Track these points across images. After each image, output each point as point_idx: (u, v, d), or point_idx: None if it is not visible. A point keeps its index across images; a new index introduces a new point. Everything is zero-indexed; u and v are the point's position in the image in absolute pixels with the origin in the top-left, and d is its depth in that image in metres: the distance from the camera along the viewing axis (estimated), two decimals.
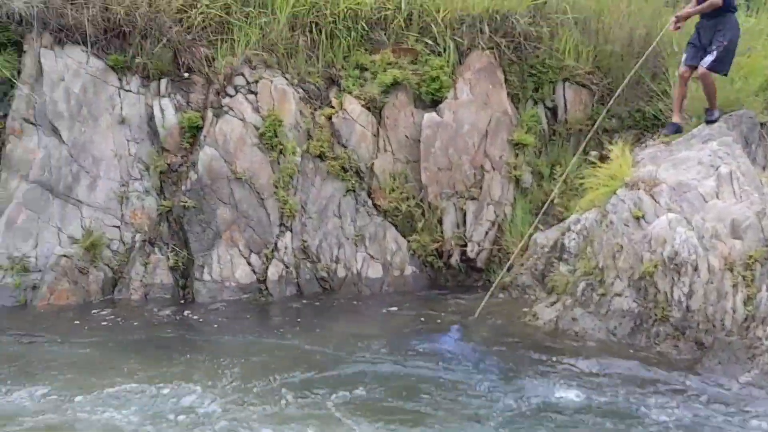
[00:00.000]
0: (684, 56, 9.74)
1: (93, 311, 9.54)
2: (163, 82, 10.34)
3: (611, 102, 10.32)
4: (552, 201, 10.27)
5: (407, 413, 6.83)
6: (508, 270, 9.99)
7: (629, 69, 10.97)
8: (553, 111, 11.16)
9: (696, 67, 9.52)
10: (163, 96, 10.29)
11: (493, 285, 9.37)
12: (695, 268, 7.85)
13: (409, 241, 10.35)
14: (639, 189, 8.70)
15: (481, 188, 10.54)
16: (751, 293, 7.62)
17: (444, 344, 8.48)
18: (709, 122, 9.67)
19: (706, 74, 9.46)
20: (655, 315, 8.04)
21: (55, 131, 10.01)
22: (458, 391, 7.27)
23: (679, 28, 9.80)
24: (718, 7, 9.39)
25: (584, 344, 8.29)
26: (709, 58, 9.40)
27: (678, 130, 9.80)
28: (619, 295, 8.36)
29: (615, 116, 11.08)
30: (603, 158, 9.93)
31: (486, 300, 9.10)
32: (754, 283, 7.65)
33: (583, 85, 11.17)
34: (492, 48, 10.89)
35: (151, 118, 10.25)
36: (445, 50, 10.80)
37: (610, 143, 10.05)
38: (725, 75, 9.68)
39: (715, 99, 9.68)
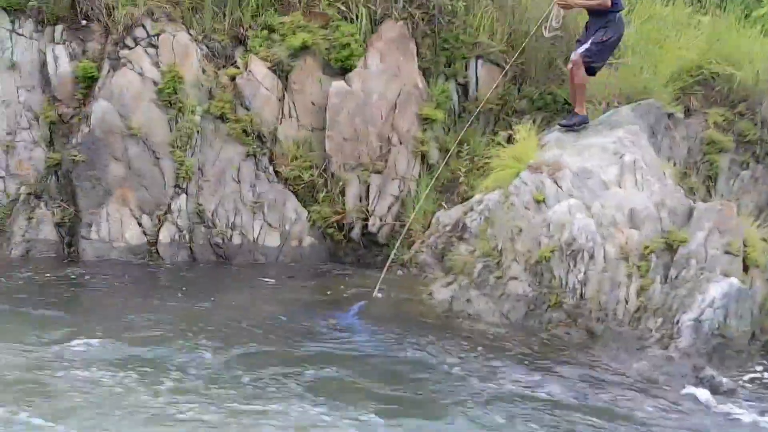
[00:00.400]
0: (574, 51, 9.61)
1: None
2: (59, 28, 9.83)
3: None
4: (457, 179, 10.13)
5: (289, 392, 6.59)
6: (409, 247, 9.82)
7: (543, 49, 10.90)
8: (464, 88, 10.93)
9: None
10: (58, 43, 9.78)
11: (388, 261, 9.15)
12: (591, 256, 7.79)
13: (309, 212, 10.05)
14: (542, 172, 8.59)
15: (386, 162, 10.28)
16: (644, 284, 7.59)
17: (341, 321, 8.28)
18: (564, 126, 9.42)
19: (577, 63, 9.22)
20: (549, 300, 7.97)
21: None
22: (345, 370, 7.07)
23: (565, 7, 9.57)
24: (607, 7, 9.24)
25: (476, 326, 8.15)
26: (583, 47, 9.22)
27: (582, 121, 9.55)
28: (515, 278, 8.26)
29: (526, 97, 10.94)
30: (511, 139, 9.79)
31: (382, 278, 8.88)
32: (648, 274, 7.61)
33: (497, 64, 10.96)
34: (405, 18, 10.59)
35: (43, 65, 9.76)
36: (357, 17, 10.47)
37: (519, 124, 9.91)
38: (593, 74, 9.43)
39: (581, 97, 9.38)
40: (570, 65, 9.29)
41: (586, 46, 9.18)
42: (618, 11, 9.30)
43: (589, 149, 8.99)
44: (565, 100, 10.74)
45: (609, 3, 9.14)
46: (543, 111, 10.86)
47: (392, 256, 9.25)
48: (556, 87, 10.87)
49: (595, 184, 8.44)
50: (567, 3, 9.44)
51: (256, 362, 7.05)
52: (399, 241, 9.42)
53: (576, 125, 9.35)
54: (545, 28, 9.81)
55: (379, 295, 8.70)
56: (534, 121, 10.14)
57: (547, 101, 10.87)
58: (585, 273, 7.78)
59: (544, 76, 10.95)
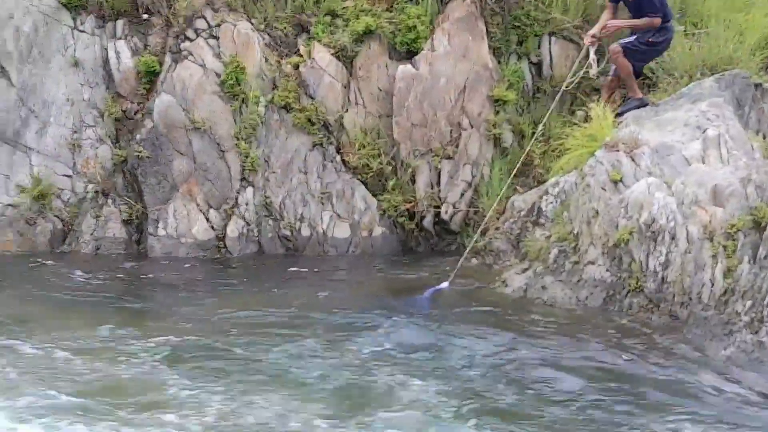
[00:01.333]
0: None
1: (40, 264, 9.08)
2: (120, 23, 9.75)
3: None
4: (531, 162, 9.71)
5: (369, 385, 6.34)
6: (483, 234, 9.45)
7: None
8: (537, 66, 10.49)
9: None
10: (120, 38, 9.70)
11: (467, 250, 8.79)
12: (673, 237, 7.28)
13: (379, 201, 9.74)
14: (619, 151, 8.11)
15: (457, 146, 9.90)
16: (731, 265, 7.02)
17: (417, 309, 7.99)
18: (622, 113, 9.06)
19: (616, 50, 8.94)
20: (629, 285, 7.50)
21: (4, 73, 9.49)
22: (427, 357, 6.87)
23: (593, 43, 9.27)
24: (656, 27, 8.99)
25: (552, 313, 7.75)
26: (626, 40, 8.98)
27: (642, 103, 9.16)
28: (593, 263, 7.81)
29: (604, 74, 10.41)
30: (588, 119, 9.31)
31: (459, 266, 8.53)
32: (735, 254, 7.04)
33: (571, 40, 10.48)
34: None
35: (106, 61, 9.67)
36: None
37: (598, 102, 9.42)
38: (638, 72, 9.21)
39: (632, 82, 9.14)
40: (611, 55, 9.01)
41: (631, 40, 8.96)
42: (669, 21, 9.05)
43: (669, 124, 8.50)
44: (645, 74, 10.21)
45: (658, 23, 8.90)
46: (621, 88, 10.34)
47: (471, 244, 8.86)
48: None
49: (675, 160, 7.93)
50: (609, 30, 9.13)
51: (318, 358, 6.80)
52: (479, 229, 9.01)
53: (634, 108, 9.00)
54: (589, 68, 9.44)
55: (446, 285, 8.36)
56: (613, 99, 9.63)
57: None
58: (666, 255, 7.28)
59: None
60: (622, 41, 9.01)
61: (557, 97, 9.61)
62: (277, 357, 6.77)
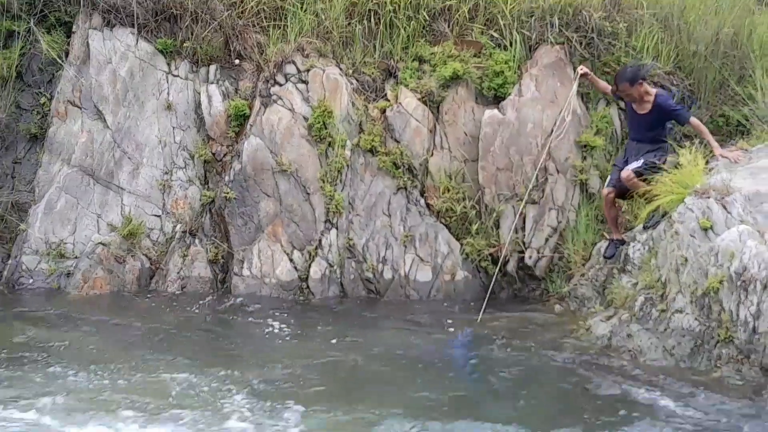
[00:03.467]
0: (609, 177, 9.14)
1: (128, 301, 9.24)
2: (213, 68, 9.99)
3: None
4: (619, 209, 9.53)
5: None
6: (567, 280, 9.30)
7: (713, 70, 10.21)
8: (627, 112, 10.34)
9: None
10: (212, 82, 9.93)
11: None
12: (765, 286, 7.00)
13: (462, 245, 9.69)
14: (709, 197, 7.88)
15: (543, 191, 9.81)
16: None
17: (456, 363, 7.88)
18: (608, 258, 8.91)
19: (630, 178, 8.68)
20: (718, 335, 7.22)
21: (100, 115, 9.75)
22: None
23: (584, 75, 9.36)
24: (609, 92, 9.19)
25: (637, 363, 7.53)
26: (634, 164, 8.71)
27: (621, 243, 8.90)
28: (680, 311, 7.57)
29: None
30: (678, 165, 9.11)
31: (484, 304, 8.71)
32: None
33: (662, 86, 10.31)
34: (562, 43, 10.16)
35: (198, 105, 9.89)
36: (511, 44, 10.13)
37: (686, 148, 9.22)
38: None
39: (616, 226, 8.97)
40: (624, 182, 8.77)
41: (638, 164, 8.68)
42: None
43: (763, 172, 8.24)
44: (738, 121, 10.00)
45: (610, 91, 9.09)
46: (715, 135, 10.09)
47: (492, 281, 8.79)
48: (728, 108, 10.15)
49: None
50: (588, 76, 9.30)
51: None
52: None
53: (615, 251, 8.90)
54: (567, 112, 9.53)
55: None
56: (704, 145, 9.41)
57: (719, 124, 10.19)
58: (758, 305, 7.00)
59: (714, 98, 10.28)
60: (631, 166, 8.70)
61: (545, 152, 9.58)
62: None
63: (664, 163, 8.67)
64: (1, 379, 7.01)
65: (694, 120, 8.84)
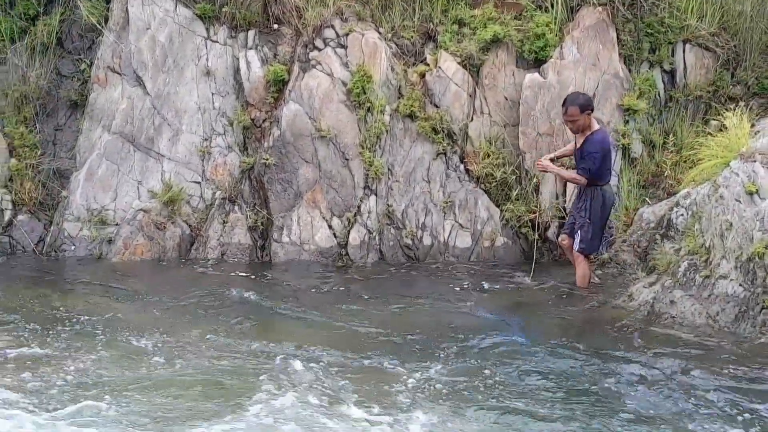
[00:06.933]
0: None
1: (169, 268, 9.29)
2: (251, 33, 9.92)
3: None
4: (662, 172, 9.42)
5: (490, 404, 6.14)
6: (609, 246, 9.19)
7: (759, 31, 9.98)
8: (671, 75, 10.17)
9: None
10: (250, 48, 9.87)
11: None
12: None
13: (502, 211, 9.62)
14: (755, 161, 7.71)
15: None
16: None
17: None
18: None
19: (578, 256, 8.52)
20: (763, 302, 7.10)
21: (140, 81, 9.76)
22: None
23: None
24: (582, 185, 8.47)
25: (681, 330, 7.44)
26: (577, 240, 8.48)
27: None
28: (725, 277, 7.44)
29: (740, 83, 10.04)
30: (723, 129, 8.95)
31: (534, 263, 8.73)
32: None
33: (707, 48, 10.13)
34: (605, 4, 9.97)
35: (237, 70, 9.86)
36: (552, 5, 9.96)
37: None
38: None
39: (584, 280, 8.57)
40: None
41: (578, 239, 8.47)
42: (603, 185, 8.46)
43: None
44: None
45: (584, 182, 8.35)
46: (760, 97, 9.96)
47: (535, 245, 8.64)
48: None
49: None
50: (545, 168, 8.64)
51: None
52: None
53: None
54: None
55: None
56: (750, 108, 9.23)
57: (765, 86, 10.07)
58: None
59: (760, 59, 10.07)
60: (575, 245, 8.50)
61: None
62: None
63: (591, 219, 8.40)
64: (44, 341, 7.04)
65: (579, 175, 8.42)
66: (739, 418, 5.89)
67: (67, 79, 10.01)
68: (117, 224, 9.44)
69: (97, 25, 9.73)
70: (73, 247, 9.41)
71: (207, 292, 8.49)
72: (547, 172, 8.90)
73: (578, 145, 8.46)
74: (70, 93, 9.90)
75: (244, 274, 9.17)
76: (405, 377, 6.46)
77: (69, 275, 8.98)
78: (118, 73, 9.76)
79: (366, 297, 8.48)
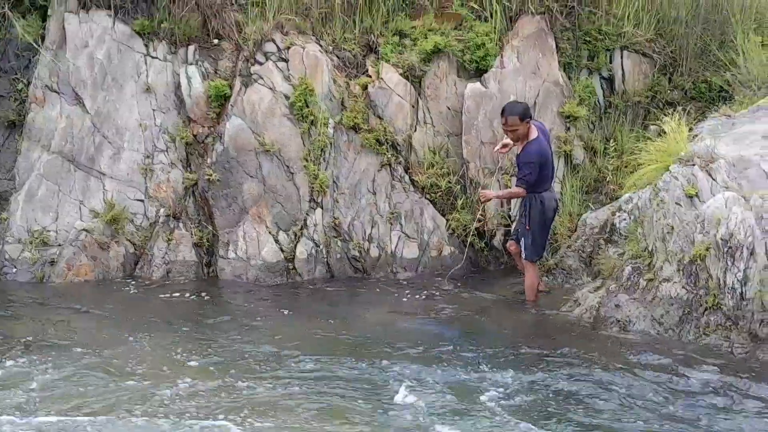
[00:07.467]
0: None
1: (113, 288, 9.15)
2: (191, 48, 9.81)
3: None
4: (604, 178, 9.54)
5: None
6: (554, 252, 9.28)
7: (694, 36, 10.17)
8: (609, 81, 10.33)
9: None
10: (191, 63, 9.78)
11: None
12: (752, 252, 7.00)
13: (448, 220, 9.67)
14: (694, 165, 7.84)
15: None
16: None
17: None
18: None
19: (526, 263, 8.61)
20: (706, 303, 7.22)
21: (79, 100, 9.61)
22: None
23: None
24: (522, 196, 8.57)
25: (626, 333, 7.54)
26: (522, 247, 8.59)
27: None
28: (668, 280, 7.55)
29: (678, 87, 10.22)
30: (662, 133, 9.09)
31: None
32: None
33: (644, 54, 10.31)
34: (543, 13, 10.09)
35: (177, 86, 9.76)
36: (492, 15, 10.05)
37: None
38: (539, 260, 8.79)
39: (531, 292, 8.63)
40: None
41: (523, 247, 8.57)
42: (543, 191, 8.49)
43: (747, 137, 8.22)
44: (721, 87, 9.98)
45: (524, 193, 8.43)
46: (697, 101, 10.15)
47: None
48: (710, 74, 10.14)
49: (754, 174, 7.62)
50: (488, 198, 8.85)
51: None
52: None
53: None
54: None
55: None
56: (687, 112, 9.38)
57: (702, 90, 10.21)
58: (744, 271, 7.00)
59: (696, 64, 10.25)
60: (522, 254, 8.59)
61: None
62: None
63: (531, 226, 8.45)
64: None
65: (518, 187, 8.50)
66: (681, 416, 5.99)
67: (4, 99, 9.80)
68: (59, 245, 9.28)
69: (34, 44, 9.56)
70: (14, 270, 9.22)
71: (148, 312, 8.41)
72: (490, 200, 9.04)
73: (518, 153, 8.52)
74: (8, 113, 9.70)
75: (187, 293, 9.06)
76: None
77: (9, 299, 8.78)
78: (56, 92, 9.60)
79: (310, 313, 8.46)
